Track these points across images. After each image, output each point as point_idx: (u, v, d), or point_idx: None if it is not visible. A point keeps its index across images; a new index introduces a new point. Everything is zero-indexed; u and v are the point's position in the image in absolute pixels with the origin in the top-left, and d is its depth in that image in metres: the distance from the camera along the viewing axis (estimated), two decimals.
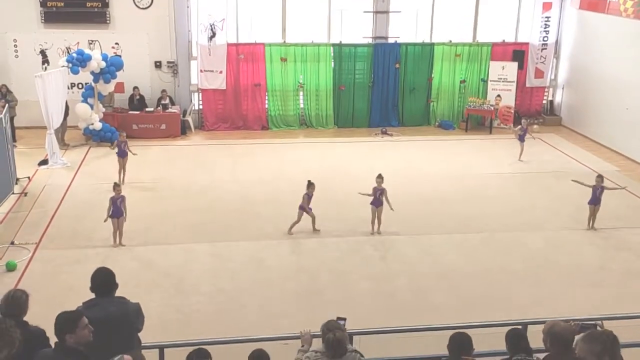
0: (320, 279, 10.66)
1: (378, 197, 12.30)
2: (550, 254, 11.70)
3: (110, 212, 11.56)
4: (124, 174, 14.64)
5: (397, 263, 11.28)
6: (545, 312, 8.80)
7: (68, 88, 17.69)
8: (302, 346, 5.90)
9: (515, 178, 15.39)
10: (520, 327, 6.25)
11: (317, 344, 5.69)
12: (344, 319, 5.82)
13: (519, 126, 16.69)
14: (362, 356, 5.59)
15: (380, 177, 12.43)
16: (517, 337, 5.78)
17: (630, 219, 13.27)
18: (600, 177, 12.83)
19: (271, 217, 13.11)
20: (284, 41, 19.77)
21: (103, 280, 5.69)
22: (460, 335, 5.59)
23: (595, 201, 12.67)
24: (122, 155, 14.63)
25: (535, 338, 5.92)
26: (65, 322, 4.87)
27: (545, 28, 20.40)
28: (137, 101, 18.78)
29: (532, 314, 8.78)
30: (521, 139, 16.33)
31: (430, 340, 6.74)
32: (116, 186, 11.84)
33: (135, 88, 18.83)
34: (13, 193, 13.76)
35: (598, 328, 5.41)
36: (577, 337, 4.96)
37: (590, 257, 11.59)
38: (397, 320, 8.81)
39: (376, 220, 12.38)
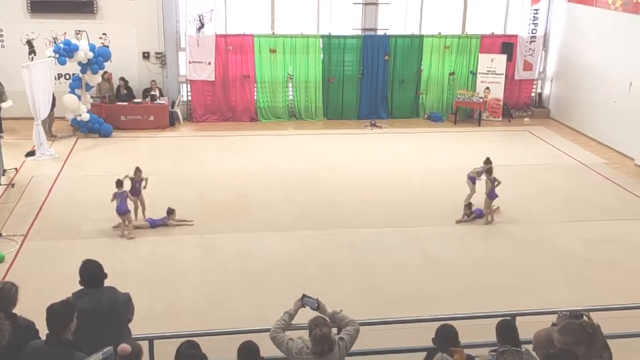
0: (309, 271, 10.67)
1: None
2: (537, 246, 11.78)
3: (116, 207, 11.66)
4: (143, 209, 12.61)
5: (385, 255, 11.31)
6: (535, 303, 8.90)
7: (55, 79, 17.54)
8: (289, 310, 6.10)
9: (503, 170, 15.39)
10: (509, 318, 6.28)
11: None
12: (315, 299, 6.06)
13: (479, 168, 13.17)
14: (353, 334, 5.79)
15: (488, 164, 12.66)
16: (505, 328, 5.83)
17: (618, 212, 13.36)
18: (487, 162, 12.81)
19: (260, 209, 13.11)
20: (273, 32, 19.71)
21: (92, 272, 5.69)
22: (446, 327, 5.63)
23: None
24: (136, 194, 12.41)
25: (524, 329, 5.98)
26: (67, 313, 4.87)
27: (534, 20, 20.45)
28: (125, 92, 18.68)
29: (521, 305, 8.86)
30: (472, 180, 13.13)
31: (420, 332, 6.77)
32: (137, 170, 12.22)
33: (121, 79, 18.73)
34: (0, 184, 13.66)
35: (585, 318, 5.45)
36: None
37: (577, 249, 11.67)
38: (386, 312, 8.85)
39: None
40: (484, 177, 12.67)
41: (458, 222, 12.56)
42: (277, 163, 15.83)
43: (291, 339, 5.72)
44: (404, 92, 20.44)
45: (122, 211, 11.70)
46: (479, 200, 12.75)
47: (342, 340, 5.70)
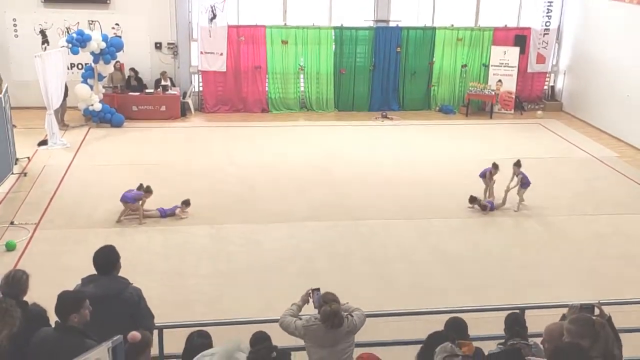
0: (319, 261, 10.68)
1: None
2: (549, 239, 11.74)
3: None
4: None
5: (396, 247, 11.30)
6: (544, 297, 8.86)
7: (68, 68, 17.59)
8: (297, 302, 6.12)
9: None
10: (518, 311, 6.27)
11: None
12: (318, 290, 6.05)
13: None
14: (360, 317, 5.87)
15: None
16: (513, 321, 5.82)
17: (630, 206, 13.27)
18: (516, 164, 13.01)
19: (270, 200, 13.12)
20: (285, 23, 19.67)
21: (100, 258, 5.69)
22: (456, 319, 5.62)
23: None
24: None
25: (533, 322, 5.96)
26: (72, 301, 4.90)
27: (547, 13, 20.29)
28: (135, 83, 18.73)
29: (531, 298, 8.84)
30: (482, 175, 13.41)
31: (429, 324, 6.77)
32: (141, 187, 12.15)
33: (131, 69, 18.78)
34: (12, 173, 13.73)
35: (596, 310, 5.42)
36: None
37: (589, 243, 11.61)
38: (396, 303, 8.85)
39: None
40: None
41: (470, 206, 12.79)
42: (287, 154, 15.83)
43: (299, 318, 5.78)
44: (415, 84, 20.37)
45: (132, 200, 11.87)
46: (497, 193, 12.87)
47: (352, 316, 5.77)
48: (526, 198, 12.85)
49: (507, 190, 12.81)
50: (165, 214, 12.12)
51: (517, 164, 12.88)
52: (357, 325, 5.83)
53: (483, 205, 12.70)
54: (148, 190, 12.15)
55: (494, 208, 12.75)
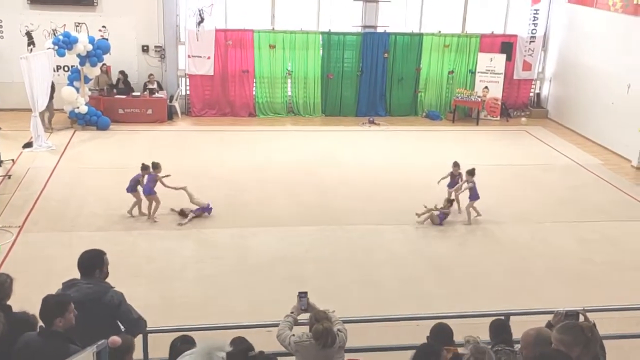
0: (306, 266, 10.67)
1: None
2: (534, 246, 11.80)
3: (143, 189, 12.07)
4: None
5: (383, 252, 11.32)
6: (529, 303, 8.89)
7: (54, 71, 17.50)
8: (292, 312, 6.09)
9: (501, 170, 15.45)
10: (503, 317, 6.29)
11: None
12: (305, 293, 6.06)
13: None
14: (345, 331, 5.84)
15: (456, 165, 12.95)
16: (498, 327, 5.84)
17: (614, 213, 13.38)
18: (455, 164, 13.02)
19: (257, 204, 13.11)
20: (273, 28, 19.68)
21: (83, 261, 5.65)
22: (441, 325, 5.63)
23: (453, 185, 13.02)
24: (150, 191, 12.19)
25: (519, 329, 5.98)
26: (57, 305, 4.86)
27: (534, 21, 20.44)
28: (123, 86, 18.67)
29: (516, 304, 8.86)
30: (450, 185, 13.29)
31: (415, 330, 6.78)
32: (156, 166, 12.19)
33: (121, 72, 18.71)
34: None
35: (581, 317, 5.45)
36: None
37: (573, 250, 11.69)
38: (382, 309, 8.85)
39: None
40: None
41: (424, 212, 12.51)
42: (275, 159, 15.81)
43: (294, 334, 5.75)
44: (402, 89, 20.43)
45: (148, 192, 11.96)
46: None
47: (341, 332, 5.75)
48: (512, 204, 12.90)
49: (457, 194, 12.83)
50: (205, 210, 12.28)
51: (471, 173, 12.62)
52: (346, 340, 5.81)
53: (437, 215, 12.49)
54: (156, 167, 12.13)
55: (443, 219, 12.53)
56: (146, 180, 12.06)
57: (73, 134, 17.13)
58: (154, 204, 12.12)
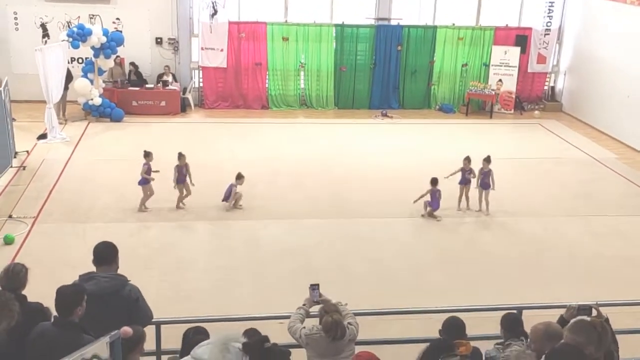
0: (317, 259, 10.69)
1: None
2: (547, 240, 11.74)
3: (176, 179, 12.18)
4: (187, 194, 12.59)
5: (394, 245, 11.31)
6: (542, 297, 8.87)
7: (68, 62, 17.57)
8: (304, 305, 6.08)
9: (514, 163, 15.37)
10: (515, 311, 6.27)
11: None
12: (317, 285, 6.06)
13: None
14: (356, 324, 5.82)
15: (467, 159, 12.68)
16: (512, 321, 5.81)
17: (628, 207, 13.28)
18: (467, 159, 12.73)
19: (269, 196, 13.12)
20: (286, 20, 19.66)
21: (99, 253, 5.69)
22: (454, 319, 5.61)
23: (464, 181, 12.74)
24: (182, 180, 12.43)
25: (531, 323, 5.96)
26: (75, 295, 4.89)
27: (549, 13, 20.28)
28: (135, 78, 18.74)
29: (529, 298, 8.84)
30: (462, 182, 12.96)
31: (426, 323, 6.78)
32: (181, 155, 12.34)
33: (131, 64, 18.77)
34: (11, 166, 13.73)
35: (593, 311, 5.42)
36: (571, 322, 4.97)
37: (585, 244, 11.63)
38: (393, 302, 8.83)
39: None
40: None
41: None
42: (287, 151, 15.83)
43: (304, 327, 5.76)
44: (415, 82, 20.36)
45: (181, 180, 12.20)
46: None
47: (351, 325, 5.75)
48: (525, 197, 12.83)
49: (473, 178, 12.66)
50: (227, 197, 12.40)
51: (487, 160, 12.60)
52: (357, 334, 5.82)
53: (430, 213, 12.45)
54: (147, 155, 12.21)
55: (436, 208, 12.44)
56: (179, 171, 12.22)
57: (87, 126, 17.22)
58: (148, 193, 12.18)
